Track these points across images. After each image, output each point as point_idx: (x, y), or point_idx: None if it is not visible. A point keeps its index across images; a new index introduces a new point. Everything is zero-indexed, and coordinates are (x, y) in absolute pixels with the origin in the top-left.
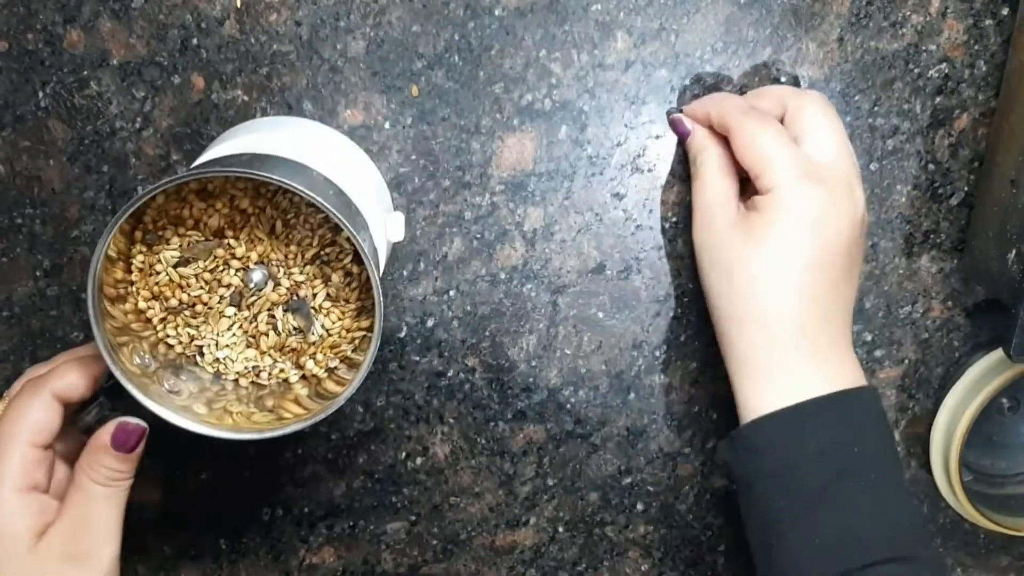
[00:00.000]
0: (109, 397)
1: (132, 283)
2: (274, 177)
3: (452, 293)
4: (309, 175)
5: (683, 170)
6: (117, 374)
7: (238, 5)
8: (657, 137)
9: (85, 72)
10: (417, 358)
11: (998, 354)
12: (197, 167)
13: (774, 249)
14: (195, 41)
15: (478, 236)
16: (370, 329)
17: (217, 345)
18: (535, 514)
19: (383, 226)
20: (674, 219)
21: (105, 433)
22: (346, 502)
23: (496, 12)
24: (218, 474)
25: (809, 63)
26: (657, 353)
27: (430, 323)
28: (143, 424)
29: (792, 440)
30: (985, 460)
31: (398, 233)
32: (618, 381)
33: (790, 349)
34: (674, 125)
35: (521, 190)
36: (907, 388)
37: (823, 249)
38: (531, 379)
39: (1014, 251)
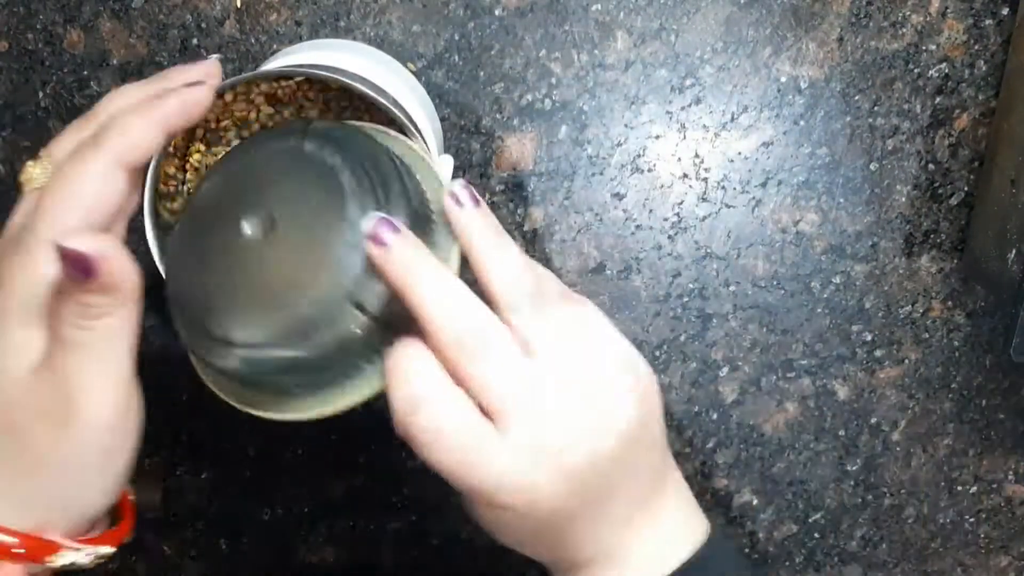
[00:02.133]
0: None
1: (184, 182)
2: (361, 88)
3: None
4: (387, 97)
5: (683, 169)
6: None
7: (238, 5)
8: (657, 137)
9: (85, 72)
10: None
11: None
12: (276, 69)
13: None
14: (195, 41)
15: None
16: None
17: None
18: None
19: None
20: (674, 219)
21: (58, 259)
22: (346, 501)
23: (496, 12)
24: (218, 474)
25: (809, 63)
26: (657, 353)
27: None
28: (105, 243)
29: None
30: None
31: (446, 177)
32: None
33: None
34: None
35: (521, 190)
36: (907, 388)
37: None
38: None
39: (1014, 251)
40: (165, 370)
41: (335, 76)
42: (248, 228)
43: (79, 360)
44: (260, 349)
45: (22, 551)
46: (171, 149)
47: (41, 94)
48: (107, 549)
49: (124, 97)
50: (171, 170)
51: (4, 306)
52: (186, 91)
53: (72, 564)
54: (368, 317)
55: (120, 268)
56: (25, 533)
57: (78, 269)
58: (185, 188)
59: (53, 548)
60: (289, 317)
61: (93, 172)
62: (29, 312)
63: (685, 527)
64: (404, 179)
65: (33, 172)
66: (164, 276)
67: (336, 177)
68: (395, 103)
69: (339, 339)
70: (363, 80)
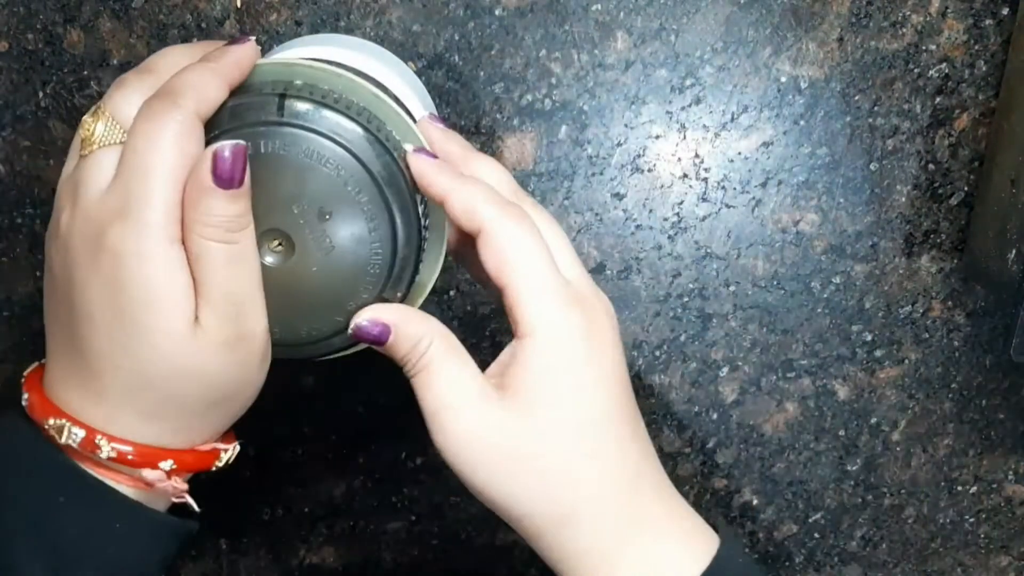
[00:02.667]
0: None
1: None
2: (364, 83)
3: (452, 293)
4: (388, 94)
5: (683, 169)
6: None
7: (238, 5)
8: (657, 137)
9: (85, 72)
10: None
11: None
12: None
13: (559, 410)
14: (195, 41)
15: None
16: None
17: None
18: None
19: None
20: (674, 219)
21: (203, 172)
22: (346, 502)
23: (496, 12)
24: (218, 474)
25: (809, 63)
26: (657, 353)
27: None
28: (240, 142)
29: None
30: None
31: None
32: None
33: (630, 516)
34: (365, 333)
35: None
36: (907, 388)
37: (608, 384)
38: None
39: (1014, 251)
40: None
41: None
42: (267, 258)
43: (233, 277)
44: (287, 347)
45: (196, 463)
46: None
47: (41, 94)
48: (238, 443)
49: (177, 55)
50: None
51: (146, 275)
52: (236, 47)
53: (225, 464)
54: (395, 303)
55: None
56: (195, 449)
57: (232, 172)
58: None
59: (217, 455)
60: (321, 327)
61: (179, 129)
62: (171, 273)
63: (692, 540)
64: (393, 156)
65: (95, 128)
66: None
67: (338, 175)
68: (396, 100)
69: None
70: (364, 76)
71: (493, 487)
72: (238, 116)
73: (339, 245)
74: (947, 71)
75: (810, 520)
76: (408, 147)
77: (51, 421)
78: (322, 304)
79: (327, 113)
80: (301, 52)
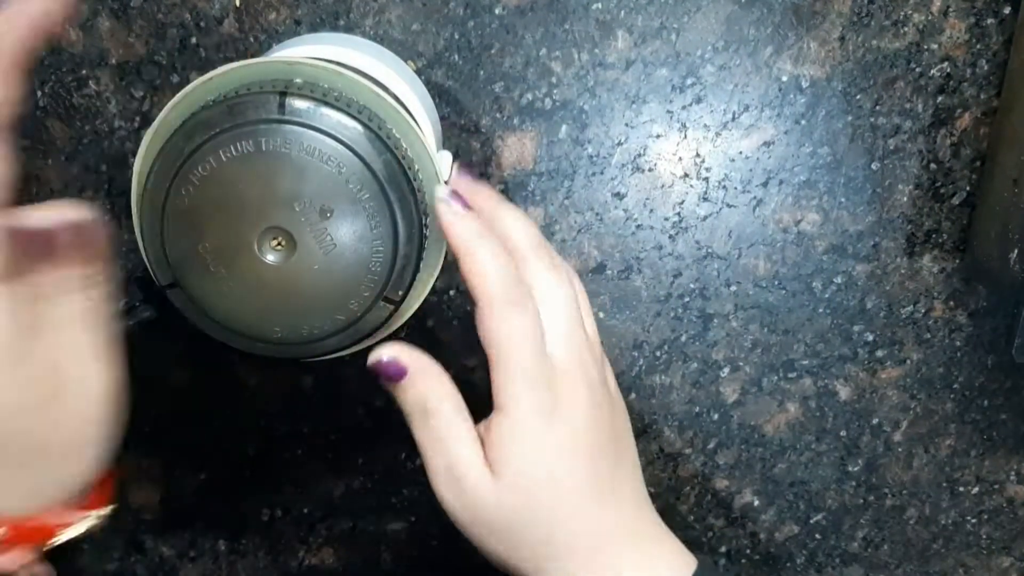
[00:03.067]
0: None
1: None
2: (365, 83)
3: (452, 293)
4: (388, 93)
5: (684, 169)
6: None
7: (237, 4)
8: (658, 136)
9: (84, 71)
10: None
11: None
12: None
13: (518, 482)
14: (194, 40)
15: None
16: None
17: None
18: None
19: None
20: (675, 219)
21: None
22: (346, 502)
23: (496, 11)
24: (218, 474)
25: (811, 62)
26: (658, 353)
27: (430, 323)
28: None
29: None
30: None
31: (444, 172)
32: (618, 381)
33: (602, 564)
34: (382, 368)
35: (521, 189)
36: (908, 388)
37: (572, 452)
38: None
39: (1016, 251)
40: (163, 369)
41: (336, 70)
42: (268, 256)
43: (77, 333)
44: (289, 346)
45: (24, 536)
46: None
47: (39, 93)
48: (104, 511)
49: None
50: None
51: None
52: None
53: (72, 539)
54: (397, 301)
55: (104, 232)
56: (23, 522)
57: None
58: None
59: (51, 532)
60: (322, 326)
61: None
62: None
63: (670, 561)
64: (398, 156)
65: None
66: (155, 275)
67: (339, 172)
68: (396, 99)
69: (371, 326)
70: (364, 74)
71: (482, 546)
72: (239, 114)
73: (340, 243)
74: (949, 70)
75: (811, 521)
76: (440, 192)
77: None
78: (323, 303)
79: (328, 111)
80: (301, 51)
